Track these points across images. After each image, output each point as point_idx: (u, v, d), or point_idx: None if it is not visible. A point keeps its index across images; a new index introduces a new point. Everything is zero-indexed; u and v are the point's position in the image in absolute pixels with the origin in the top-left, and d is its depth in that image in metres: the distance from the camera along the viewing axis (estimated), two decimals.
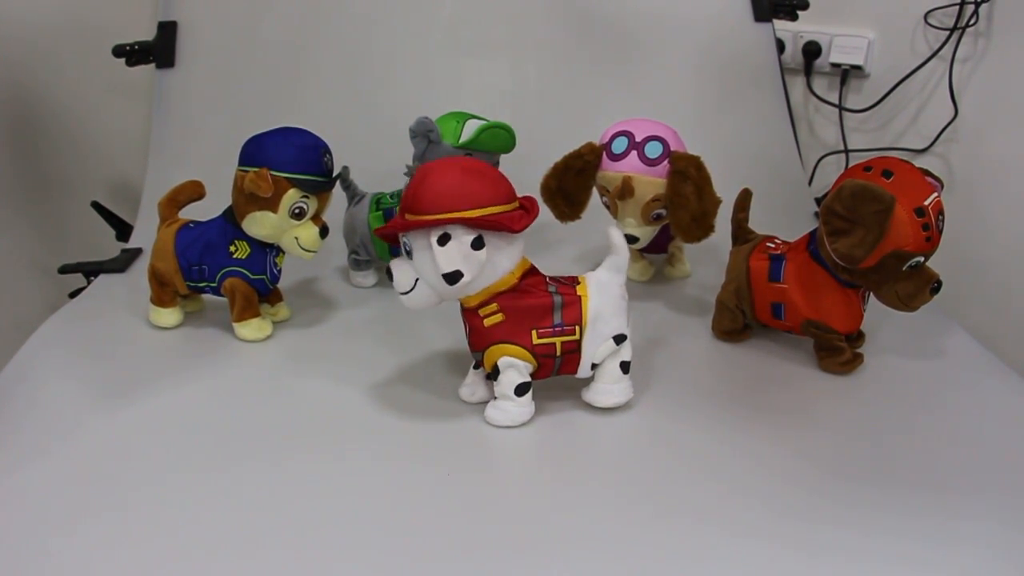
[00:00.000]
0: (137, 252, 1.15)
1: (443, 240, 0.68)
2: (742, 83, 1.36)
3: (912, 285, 0.77)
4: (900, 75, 1.30)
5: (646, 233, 0.96)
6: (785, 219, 1.07)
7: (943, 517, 0.64)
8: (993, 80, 1.20)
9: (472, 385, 0.79)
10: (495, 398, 0.76)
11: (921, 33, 1.28)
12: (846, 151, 1.39)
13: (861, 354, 0.85)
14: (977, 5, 1.19)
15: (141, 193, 1.28)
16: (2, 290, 1.24)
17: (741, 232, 0.91)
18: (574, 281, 0.75)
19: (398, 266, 0.72)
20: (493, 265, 0.71)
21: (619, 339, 0.75)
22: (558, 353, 0.74)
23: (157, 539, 0.62)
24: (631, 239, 0.95)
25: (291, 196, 0.85)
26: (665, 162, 0.92)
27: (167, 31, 1.33)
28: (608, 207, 0.99)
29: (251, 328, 0.91)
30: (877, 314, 0.85)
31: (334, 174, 0.90)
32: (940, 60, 1.26)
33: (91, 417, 0.77)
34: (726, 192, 0.93)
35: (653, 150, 0.92)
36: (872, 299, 0.82)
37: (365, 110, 1.32)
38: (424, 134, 0.91)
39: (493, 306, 0.72)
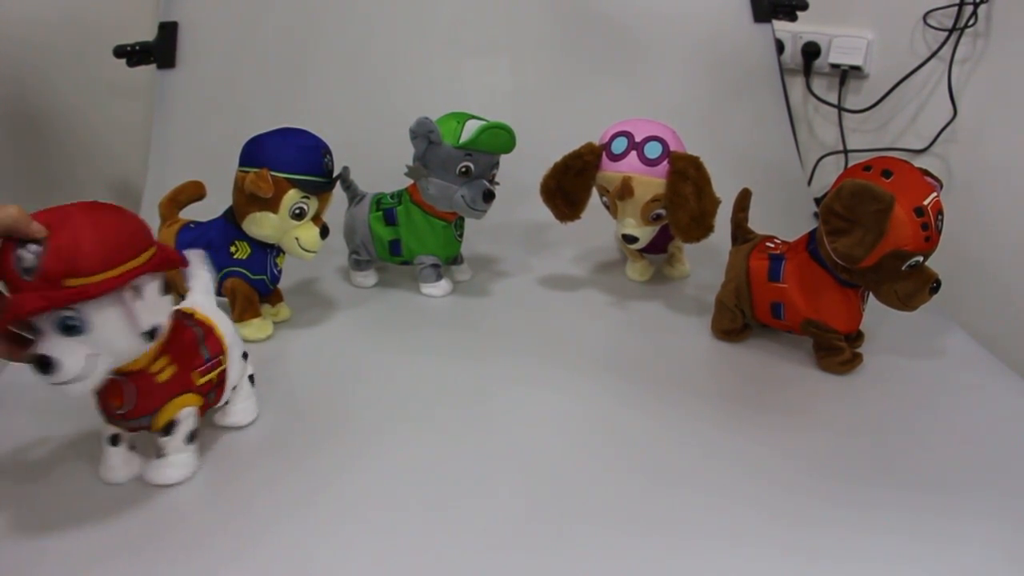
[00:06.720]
0: None
1: (136, 294, 0.59)
2: (742, 83, 1.36)
3: (911, 285, 0.77)
4: (899, 75, 1.30)
5: (645, 233, 0.96)
6: (785, 219, 1.08)
7: (943, 517, 0.64)
8: (992, 80, 1.20)
9: (117, 464, 0.68)
10: (160, 456, 0.67)
11: (920, 33, 1.28)
12: (845, 151, 1.40)
13: (860, 354, 0.85)
14: (976, 5, 1.19)
15: (141, 193, 1.28)
16: None
17: (741, 232, 0.91)
18: (192, 312, 0.70)
19: (58, 350, 0.56)
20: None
21: (245, 355, 0.75)
22: (216, 385, 0.70)
23: (157, 538, 0.62)
24: (631, 239, 0.96)
25: (291, 197, 0.85)
26: (665, 162, 0.92)
27: (168, 32, 1.33)
28: (608, 207, 0.99)
29: (252, 328, 0.91)
30: (877, 314, 0.86)
31: (334, 174, 0.90)
32: (939, 60, 1.26)
33: (90, 417, 0.77)
34: (726, 192, 0.93)
35: (653, 150, 0.92)
36: (872, 299, 0.83)
37: (365, 110, 1.32)
38: (424, 134, 0.92)
39: (164, 359, 0.64)
